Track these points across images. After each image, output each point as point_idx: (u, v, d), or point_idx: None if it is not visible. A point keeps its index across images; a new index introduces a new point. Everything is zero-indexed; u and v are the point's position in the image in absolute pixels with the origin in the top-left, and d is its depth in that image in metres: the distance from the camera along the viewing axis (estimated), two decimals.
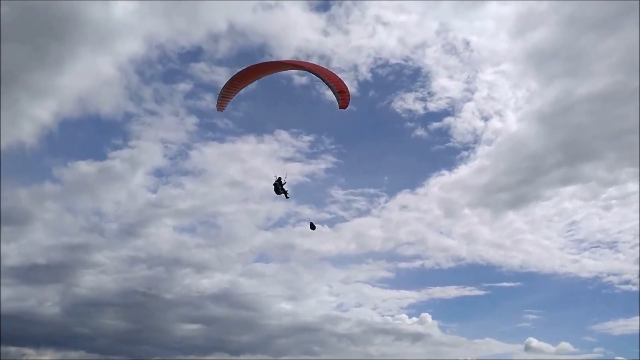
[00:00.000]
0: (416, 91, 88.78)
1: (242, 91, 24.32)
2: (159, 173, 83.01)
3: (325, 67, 21.92)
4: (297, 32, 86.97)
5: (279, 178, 26.68)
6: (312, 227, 30.35)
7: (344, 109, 20.92)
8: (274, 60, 24.83)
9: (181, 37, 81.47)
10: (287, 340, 75.84)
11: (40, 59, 73.92)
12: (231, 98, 23.88)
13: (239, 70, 23.18)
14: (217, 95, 24.03)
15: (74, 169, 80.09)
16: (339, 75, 21.47)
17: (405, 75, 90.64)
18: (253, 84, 23.49)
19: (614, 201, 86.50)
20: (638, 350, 65.90)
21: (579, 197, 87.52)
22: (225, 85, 23.31)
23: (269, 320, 76.36)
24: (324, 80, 20.36)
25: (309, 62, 23.22)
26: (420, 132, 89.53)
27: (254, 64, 21.91)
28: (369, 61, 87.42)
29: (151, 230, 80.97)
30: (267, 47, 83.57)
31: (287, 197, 27.08)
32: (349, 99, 20.71)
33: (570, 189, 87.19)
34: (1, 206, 68.18)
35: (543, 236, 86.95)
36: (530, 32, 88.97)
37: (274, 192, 26.82)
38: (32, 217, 76.71)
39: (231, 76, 23.01)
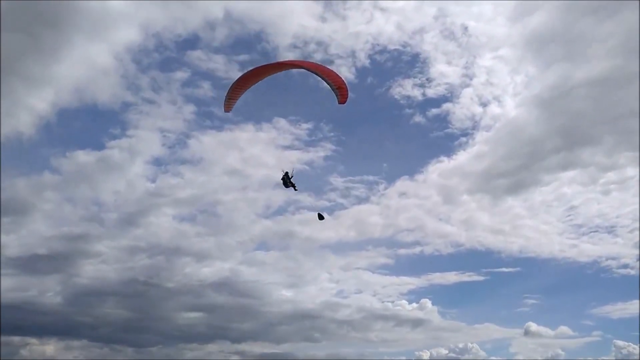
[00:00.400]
0: (414, 77, 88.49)
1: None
2: (157, 162, 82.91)
3: (323, 64, 22.60)
4: (294, 18, 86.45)
5: (287, 172, 27.66)
6: (321, 217, 31.08)
7: (343, 103, 21.64)
8: (273, 61, 25.51)
9: (178, 25, 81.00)
10: (288, 327, 76.39)
11: (36, 48, 73.52)
12: (237, 99, 24.57)
13: (242, 72, 24.12)
14: (224, 98, 24.74)
15: (73, 158, 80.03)
16: (337, 71, 22.13)
17: (404, 62, 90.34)
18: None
19: (612, 186, 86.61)
20: (637, 333, 66.49)
21: (578, 182, 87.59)
22: (231, 87, 24.03)
23: (269, 307, 76.81)
24: (322, 78, 21.00)
25: (308, 60, 23.89)
26: (418, 118, 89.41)
27: (256, 66, 22.61)
28: (367, 47, 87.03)
29: (151, 220, 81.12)
30: (264, 34, 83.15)
31: (295, 190, 28.12)
32: (347, 94, 21.37)
33: (569, 174, 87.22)
34: (1, 197, 68.29)
35: (542, 221, 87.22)
36: (529, 17, 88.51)
37: (283, 186, 27.83)
38: (32, 208, 76.83)
39: (236, 78, 23.77)
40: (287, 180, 27.55)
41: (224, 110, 25.71)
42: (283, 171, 27.70)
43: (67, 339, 69.92)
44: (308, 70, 22.32)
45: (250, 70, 23.14)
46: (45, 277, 73.94)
